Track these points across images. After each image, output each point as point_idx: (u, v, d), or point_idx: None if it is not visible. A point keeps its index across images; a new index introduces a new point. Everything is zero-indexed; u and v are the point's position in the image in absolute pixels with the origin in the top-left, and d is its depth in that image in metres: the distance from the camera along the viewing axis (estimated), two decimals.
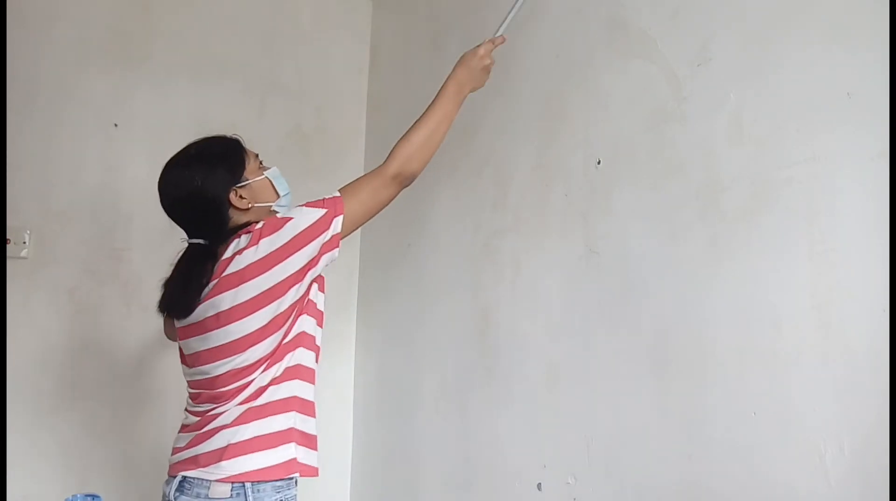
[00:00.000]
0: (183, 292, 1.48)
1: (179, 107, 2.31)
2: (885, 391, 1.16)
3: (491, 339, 1.97)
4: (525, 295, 1.89)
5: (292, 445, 1.43)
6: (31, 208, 2.11)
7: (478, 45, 1.66)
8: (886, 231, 1.18)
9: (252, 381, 1.42)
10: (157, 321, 2.23)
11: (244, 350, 1.41)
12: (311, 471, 1.46)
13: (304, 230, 1.42)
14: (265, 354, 1.42)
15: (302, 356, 1.48)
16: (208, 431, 1.42)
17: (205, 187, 1.48)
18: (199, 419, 1.46)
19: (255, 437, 1.40)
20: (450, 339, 2.12)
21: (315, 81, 2.56)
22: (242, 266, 1.41)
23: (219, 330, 1.42)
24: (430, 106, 1.58)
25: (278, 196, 1.55)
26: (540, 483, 1.77)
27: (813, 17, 1.33)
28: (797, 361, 1.30)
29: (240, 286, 1.41)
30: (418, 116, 1.59)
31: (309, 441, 1.47)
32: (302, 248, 1.41)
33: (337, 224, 1.45)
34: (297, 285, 1.42)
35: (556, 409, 1.76)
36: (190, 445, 1.45)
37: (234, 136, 1.58)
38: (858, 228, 1.23)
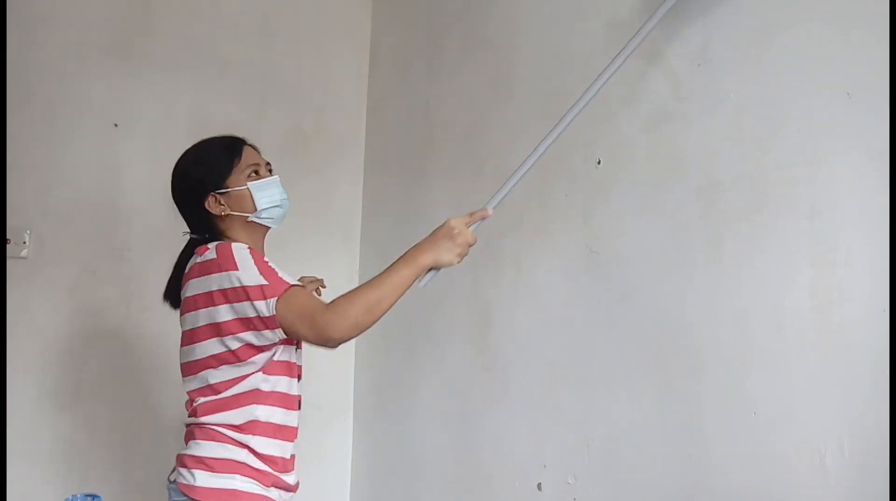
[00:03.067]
0: (172, 282, 1.55)
1: (179, 107, 2.30)
2: (885, 392, 1.16)
3: (491, 339, 1.97)
4: (525, 295, 1.88)
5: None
6: (31, 208, 2.11)
7: (450, 220, 1.41)
8: (886, 231, 1.18)
9: None
10: (157, 320, 2.24)
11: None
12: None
13: (234, 288, 1.37)
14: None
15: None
16: None
17: (186, 187, 1.52)
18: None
19: None
20: (450, 339, 2.12)
21: (315, 81, 2.55)
22: (188, 294, 1.45)
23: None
24: (384, 271, 1.38)
25: (256, 209, 1.51)
26: (540, 483, 1.77)
27: (813, 17, 1.33)
28: (797, 361, 1.30)
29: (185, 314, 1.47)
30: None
31: None
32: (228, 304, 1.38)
33: (269, 306, 1.35)
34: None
35: (556, 409, 1.76)
36: None
37: (238, 138, 1.56)
38: (858, 228, 1.23)
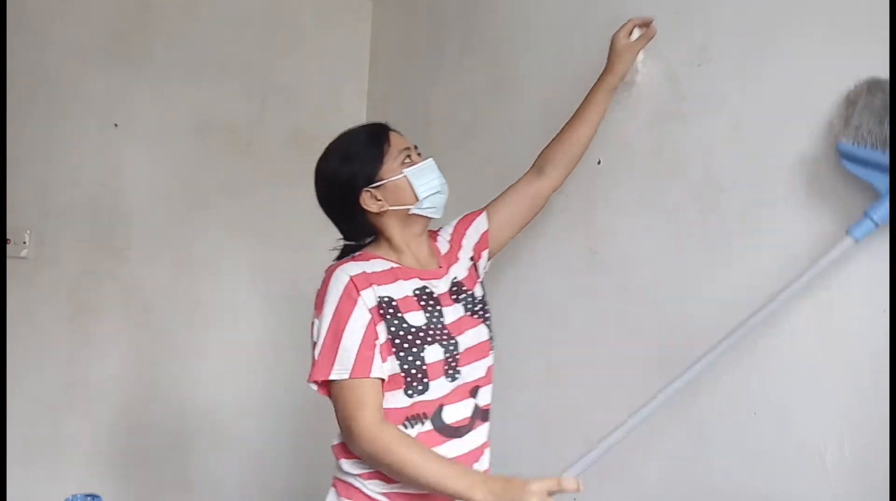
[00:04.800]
0: None
1: (179, 107, 2.30)
2: (885, 392, 1.16)
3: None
4: (525, 295, 1.88)
5: None
6: (31, 208, 2.11)
7: (533, 481, 1.19)
8: (886, 231, 1.18)
9: None
10: (157, 320, 2.25)
11: None
12: None
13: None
14: None
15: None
16: None
17: (337, 188, 1.38)
18: None
19: None
20: None
21: (315, 81, 2.55)
22: None
23: None
24: (442, 462, 1.25)
25: (418, 199, 1.37)
26: None
27: (813, 17, 1.33)
28: (797, 361, 1.30)
29: None
30: None
31: None
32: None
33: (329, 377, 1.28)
34: None
35: (556, 409, 1.76)
36: None
37: (381, 123, 1.43)
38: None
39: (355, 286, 1.29)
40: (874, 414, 1.18)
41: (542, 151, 1.60)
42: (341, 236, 1.46)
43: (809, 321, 1.28)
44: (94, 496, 1.56)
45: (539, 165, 1.59)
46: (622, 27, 1.52)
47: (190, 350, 2.28)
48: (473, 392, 1.38)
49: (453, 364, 1.35)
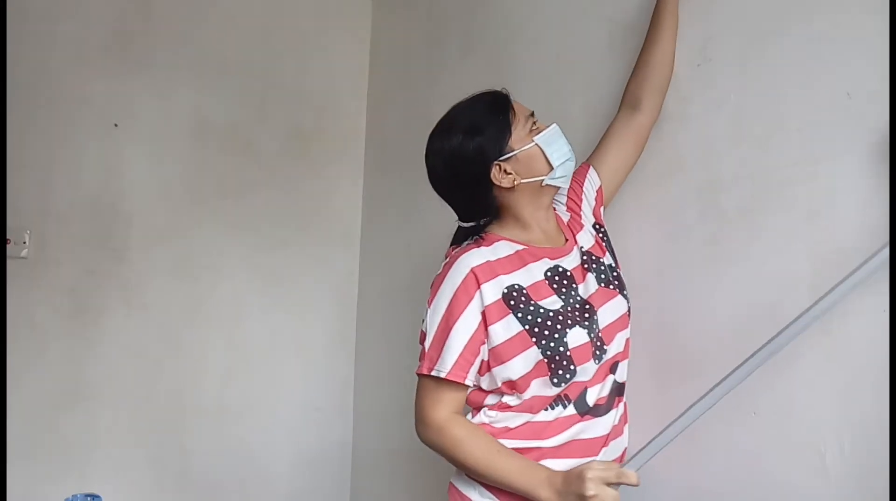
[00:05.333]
0: None
1: (179, 107, 2.30)
2: (885, 391, 1.16)
3: None
4: None
5: None
6: (31, 208, 2.11)
7: (589, 468, 1.19)
8: (886, 231, 1.18)
9: None
10: (157, 320, 2.25)
11: None
12: None
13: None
14: None
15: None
16: None
17: (462, 164, 1.28)
18: None
19: None
20: None
21: (315, 81, 2.55)
22: None
23: None
24: (508, 456, 1.23)
25: (552, 167, 1.28)
26: None
27: (813, 17, 1.33)
28: (797, 361, 1.30)
29: None
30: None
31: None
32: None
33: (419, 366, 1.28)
34: None
35: None
36: None
37: (502, 91, 1.33)
38: (858, 228, 1.23)
39: (476, 280, 1.25)
40: (874, 414, 1.18)
41: (627, 87, 1.49)
42: (457, 219, 1.37)
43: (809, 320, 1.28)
44: (94, 496, 1.56)
45: (631, 102, 1.47)
46: None
47: (190, 350, 2.28)
48: (613, 368, 1.34)
49: (599, 344, 1.29)
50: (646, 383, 1.55)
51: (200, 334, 2.30)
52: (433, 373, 1.26)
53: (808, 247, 1.29)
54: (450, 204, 1.37)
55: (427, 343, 1.28)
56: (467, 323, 1.25)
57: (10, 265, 2.02)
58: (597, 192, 1.48)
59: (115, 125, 2.22)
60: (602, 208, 1.50)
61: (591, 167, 1.49)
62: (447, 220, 1.55)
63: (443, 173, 1.33)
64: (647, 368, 1.54)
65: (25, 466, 2.00)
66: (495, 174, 1.27)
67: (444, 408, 1.26)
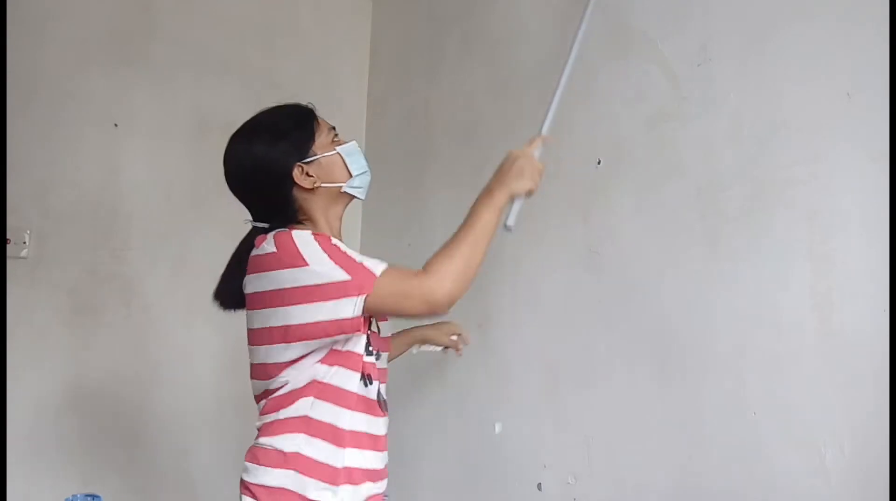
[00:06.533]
0: (226, 280, 1.42)
1: (179, 107, 2.30)
2: (886, 391, 1.16)
3: (491, 339, 1.97)
4: (525, 295, 1.88)
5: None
6: (31, 208, 2.11)
7: (516, 152, 1.37)
8: (886, 231, 1.18)
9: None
10: (157, 320, 2.24)
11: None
12: None
13: (310, 286, 1.22)
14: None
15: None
16: None
17: (265, 164, 1.32)
18: None
19: None
20: None
21: (315, 81, 2.55)
22: (248, 291, 1.32)
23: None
24: (465, 222, 1.29)
25: (351, 176, 1.36)
26: (540, 484, 1.77)
27: (812, 16, 1.33)
28: (797, 361, 1.30)
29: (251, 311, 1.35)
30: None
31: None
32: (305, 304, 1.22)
33: (356, 306, 1.21)
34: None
35: (556, 409, 1.76)
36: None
37: (307, 104, 1.41)
38: (858, 228, 1.23)
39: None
40: (874, 414, 1.18)
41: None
42: (248, 219, 1.41)
43: (809, 320, 1.28)
44: (94, 496, 1.56)
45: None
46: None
47: (190, 350, 2.28)
48: None
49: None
50: (646, 383, 1.55)
51: (200, 333, 2.30)
52: (380, 270, 1.23)
53: (808, 247, 1.29)
54: (247, 204, 1.39)
55: (337, 277, 1.21)
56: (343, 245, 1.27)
57: (10, 265, 2.02)
58: None
59: (115, 125, 2.22)
60: None
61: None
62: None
63: (244, 173, 1.36)
64: (648, 367, 1.54)
65: (25, 466, 2.00)
66: (297, 174, 1.32)
67: (411, 273, 1.25)
